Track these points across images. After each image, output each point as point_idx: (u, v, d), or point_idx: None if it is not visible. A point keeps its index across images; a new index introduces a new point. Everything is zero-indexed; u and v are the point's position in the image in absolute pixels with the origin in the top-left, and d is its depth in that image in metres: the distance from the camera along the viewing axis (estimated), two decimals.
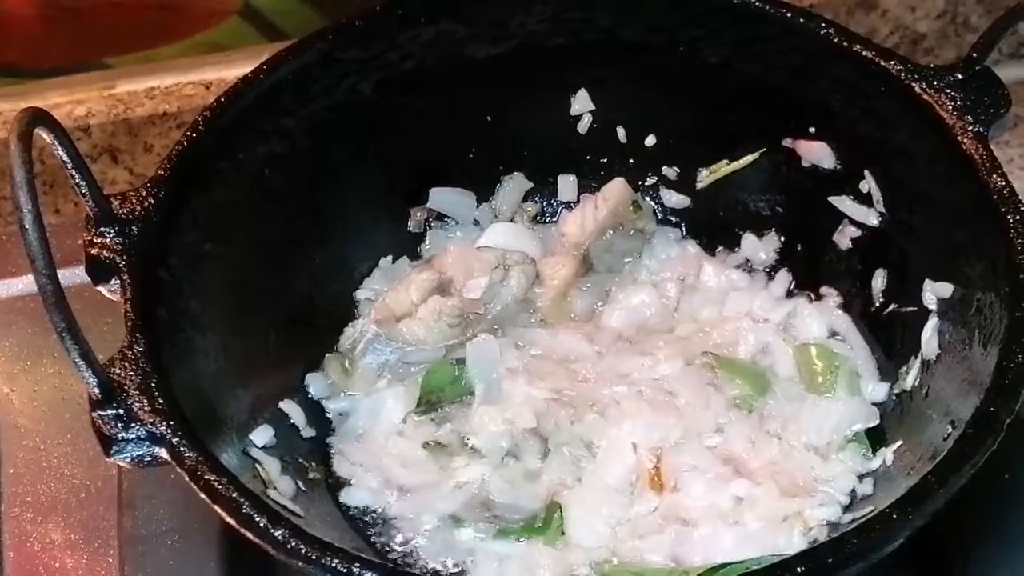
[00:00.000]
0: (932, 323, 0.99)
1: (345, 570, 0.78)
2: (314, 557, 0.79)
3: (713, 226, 1.16)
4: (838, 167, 1.08)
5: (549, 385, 1.04)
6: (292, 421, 1.05)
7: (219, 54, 1.29)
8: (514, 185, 1.17)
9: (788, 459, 1.00)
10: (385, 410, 1.06)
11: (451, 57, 1.09)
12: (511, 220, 1.17)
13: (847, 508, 0.97)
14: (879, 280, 1.06)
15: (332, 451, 1.05)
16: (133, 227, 0.93)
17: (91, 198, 0.92)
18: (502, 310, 1.11)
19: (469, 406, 1.05)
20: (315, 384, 1.08)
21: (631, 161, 1.17)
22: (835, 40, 1.02)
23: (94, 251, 0.92)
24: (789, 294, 1.12)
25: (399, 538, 1.00)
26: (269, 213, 1.04)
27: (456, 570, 0.98)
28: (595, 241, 1.15)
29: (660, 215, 1.17)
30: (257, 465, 0.96)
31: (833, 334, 1.09)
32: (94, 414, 0.84)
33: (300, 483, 1.00)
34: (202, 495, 0.82)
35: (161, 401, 0.84)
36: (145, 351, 0.87)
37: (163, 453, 0.84)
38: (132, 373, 0.85)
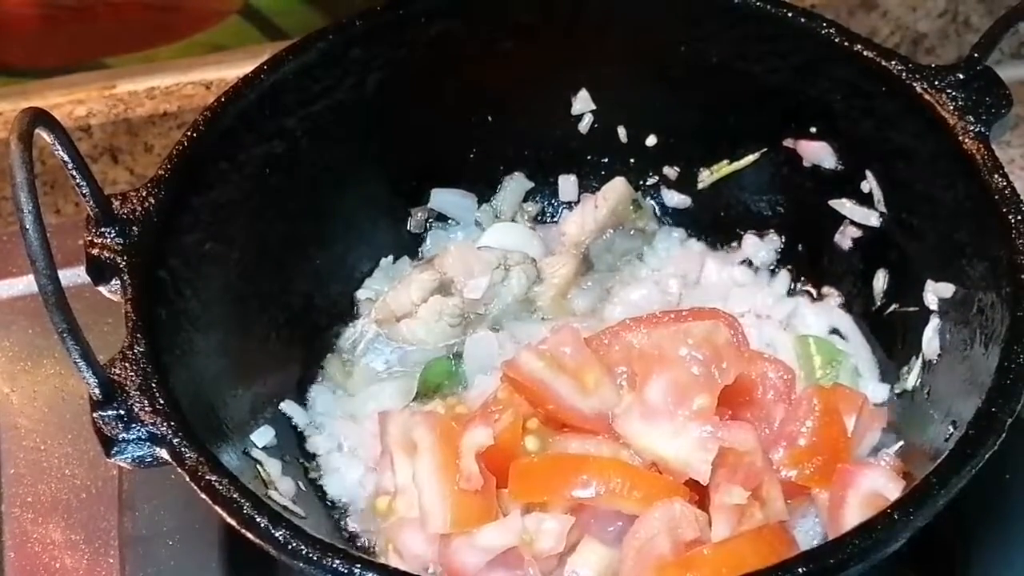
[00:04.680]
0: (933, 323, 0.99)
1: (346, 570, 0.78)
2: (315, 558, 0.79)
3: (714, 226, 1.16)
4: (839, 167, 1.08)
5: None
6: (293, 421, 1.05)
7: (219, 54, 1.29)
8: (515, 185, 1.17)
9: None
10: (383, 401, 1.06)
11: (452, 57, 1.09)
12: (512, 220, 1.17)
13: None
14: (880, 280, 1.07)
15: (326, 450, 1.05)
16: (134, 227, 0.93)
17: (92, 198, 0.92)
18: (503, 309, 1.11)
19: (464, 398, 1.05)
20: (315, 384, 1.08)
21: (632, 161, 1.17)
22: (836, 40, 1.02)
23: (94, 251, 0.92)
24: (790, 293, 1.12)
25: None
26: (270, 213, 1.04)
27: None
28: (595, 240, 1.15)
29: (661, 215, 1.17)
30: (258, 466, 0.96)
31: (834, 333, 1.09)
32: (95, 414, 0.84)
33: (301, 484, 1.00)
34: (203, 496, 0.82)
35: (162, 401, 0.84)
36: (146, 351, 0.86)
37: (164, 454, 0.84)
38: (133, 373, 0.85)
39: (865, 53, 1.01)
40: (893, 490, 0.91)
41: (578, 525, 0.92)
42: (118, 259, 0.91)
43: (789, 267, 1.13)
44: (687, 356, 0.95)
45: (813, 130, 1.08)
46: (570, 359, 0.96)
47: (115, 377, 0.85)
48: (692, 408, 0.92)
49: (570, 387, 0.95)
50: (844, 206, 1.08)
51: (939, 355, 0.99)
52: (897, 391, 1.04)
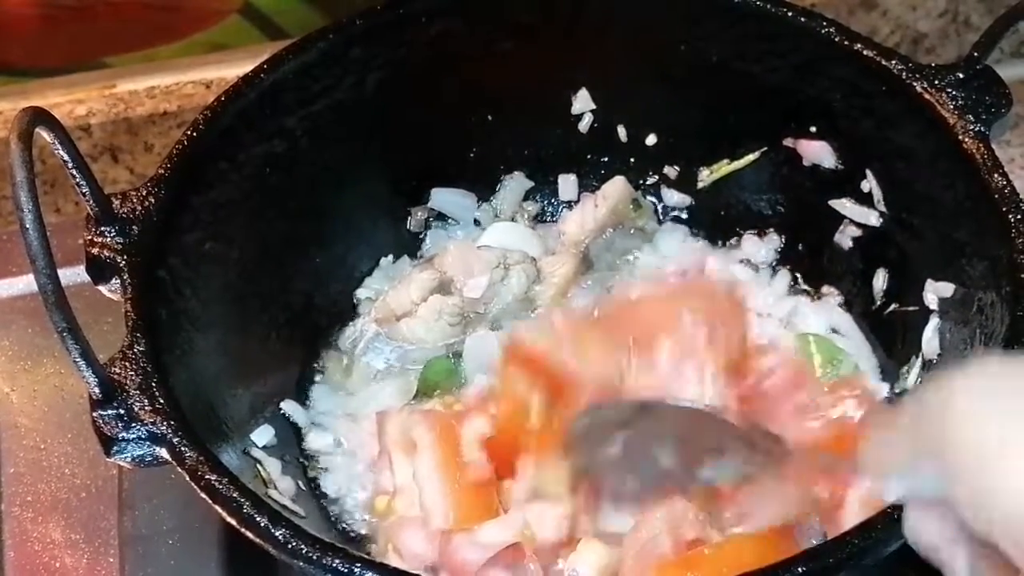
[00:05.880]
0: (933, 323, 1.00)
1: (346, 570, 0.78)
2: (315, 557, 0.79)
3: (714, 225, 1.16)
4: (839, 167, 1.08)
5: None
6: (293, 421, 1.05)
7: (219, 53, 1.29)
8: (515, 184, 1.17)
9: None
10: (383, 400, 1.06)
11: (452, 56, 1.09)
12: (512, 219, 1.17)
13: None
14: (880, 280, 1.07)
15: (326, 449, 1.05)
16: (134, 226, 0.93)
17: (91, 197, 0.92)
18: (503, 308, 1.11)
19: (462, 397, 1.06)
20: (315, 384, 1.08)
21: (632, 160, 1.17)
22: (836, 39, 1.02)
23: (94, 250, 0.92)
24: (790, 292, 1.12)
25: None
26: (269, 213, 1.04)
27: None
28: (595, 239, 1.15)
29: (661, 214, 1.17)
30: (258, 465, 0.96)
31: (834, 332, 1.09)
32: (94, 414, 0.84)
33: (301, 483, 1.00)
34: (203, 495, 0.82)
35: (162, 401, 0.84)
36: (145, 351, 0.86)
37: (164, 453, 0.84)
38: (132, 373, 0.85)
39: (865, 52, 1.01)
40: None
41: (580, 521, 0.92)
42: (118, 258, 0.91)
43: (789, 266, 1.13)
44: (691, 319, 0.94)
45: (813, 129, 1.08)
46: (572, 329, 0.96)
47: (115, 376, 0.85)
48: (701, 366, 0.92)
49: (575, 355, 0.95)
50: (844, 206, 1.08)
51: (939, 354, 0.99)
52: (897, 390, 1.04)
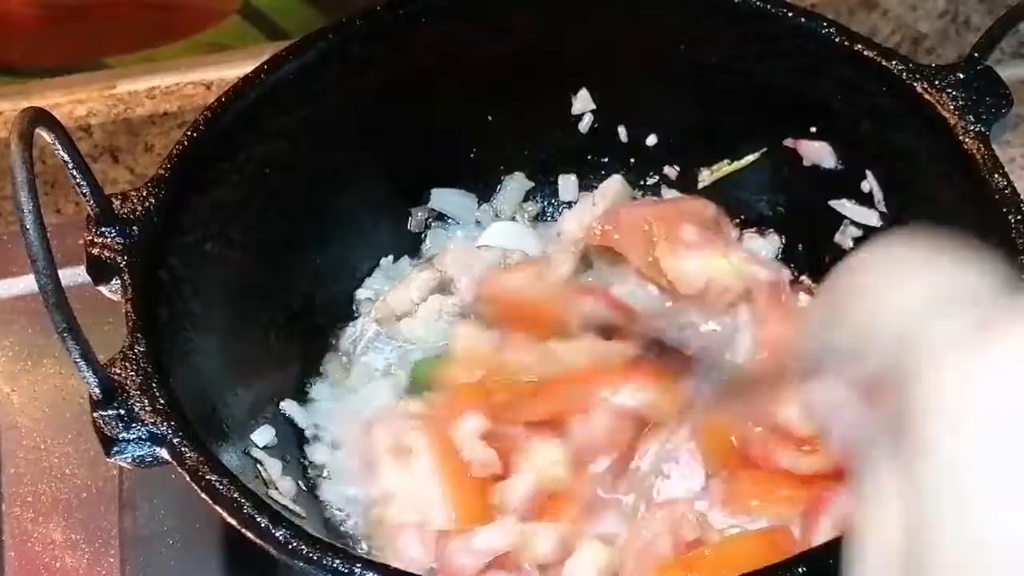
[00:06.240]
0: None
1: (347, 570, 0.78)
2: (315, 557, 0.79)
3: None
4: (839, 167, 1.08)
5: None
6: (293, 421, 1.05)
7: (220, 53, 1.29)
8: (515, 185, 1.17)
9: None
10: (383, 399, 1.07)
11: (452, 57, 1.09)
12: (512, 219, 1.17)
13: None
14: None
15: (326, 450, 1.05)
16: (134, 227, 0.92)
17: (92, 198, 0.91)
18: None
19: None
20: (315, 384, 1.08)
21: (632, 160, 1.17)
22: (836, 40, 1.02)
23: (95, 251, 0.92)
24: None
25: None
26: (270, 213, 1.04)
27: None
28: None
29: None
30: (259, 466, 0.96)
31: None
32: (95, 414, 0.84)
33: (301, 484, 1.00)
34: (203, 495, 0.82)
35: (162, 401, 0.84)
36: (146, 351, 0.86)
37: (164, 453, 0.84)
38: (133, 373, 0.85)
39: (865, 53, 1.01)
40: None
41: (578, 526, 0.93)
42: (118, 259, 0.91)
43: (790, 266, 1.13)
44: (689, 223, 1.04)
45: (813, 130, 1.08)
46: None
47: (115, 377, 0.85)
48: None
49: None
50: (844, 206, 1.08)
51: None
52: None
